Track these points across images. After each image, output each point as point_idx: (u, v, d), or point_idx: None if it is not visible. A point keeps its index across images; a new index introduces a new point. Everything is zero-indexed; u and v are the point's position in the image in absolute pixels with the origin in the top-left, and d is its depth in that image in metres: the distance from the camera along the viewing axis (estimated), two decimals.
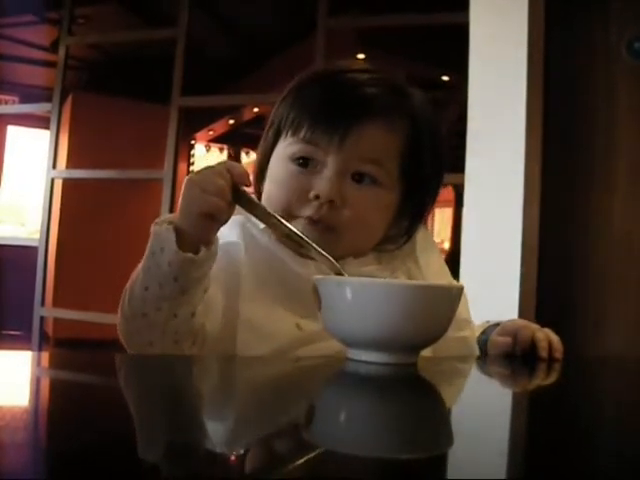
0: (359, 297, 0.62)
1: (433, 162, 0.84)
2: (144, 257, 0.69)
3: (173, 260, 0.66)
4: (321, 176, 0.78)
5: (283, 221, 0.70)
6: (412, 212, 0.85)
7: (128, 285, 0.72)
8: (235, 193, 0.67)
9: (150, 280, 0.68)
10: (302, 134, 0.79)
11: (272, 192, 0.82)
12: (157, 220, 0.69)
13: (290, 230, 0.70)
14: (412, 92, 0.84)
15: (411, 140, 0.81)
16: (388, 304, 0.61)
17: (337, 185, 0.78)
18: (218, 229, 0.69)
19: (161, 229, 0.67)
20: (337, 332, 0.64)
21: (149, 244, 0.68)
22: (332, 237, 0.78)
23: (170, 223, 0.68)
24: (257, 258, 0.78)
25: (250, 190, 0.79)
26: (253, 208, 0.70)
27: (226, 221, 0.69)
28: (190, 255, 0.66)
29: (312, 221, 0.77)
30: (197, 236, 0.68)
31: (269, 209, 0.71)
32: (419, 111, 0.83)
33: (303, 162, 0.80)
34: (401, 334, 0.61)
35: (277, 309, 0.75)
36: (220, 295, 0.75)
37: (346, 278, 0.68)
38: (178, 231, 0.67)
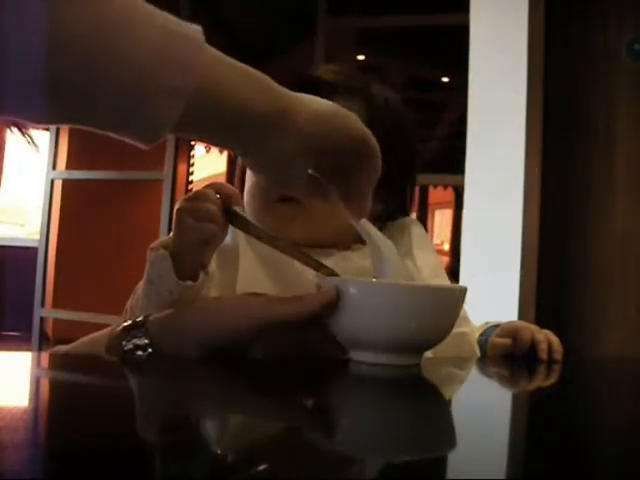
0: (364, 298, 0.61)
1: (403, 148, 0.85)
2: (143, 283, 0.70)
3: (173, 289, 0.67)
4: None
5: (275, 236, 0.71)
6: (397, 198, 0.87)
7: (129, 306, 0.73)
8: (227, 214, 0.68)
9: (150, 307, 0.69)
10: None
11: (249, 186, 0.83)
12: (152, 245, 0.69)
13: (283, 244, 0.70)
14: (380, 87, 0.86)
15: (381, 126, 0.84)
16: (393, 305, 0.61)
17: None
18: (214, 252, 0.71)
19: (157, 257, 0.68)
20: (341, 333, 0.64)
21: (146, 271, 0.69)
22: (300, 211, 0.79)
23: (165, 248, 0.68)
24: (254, 256, 0.78)
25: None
26: (246, 226, 0.71)
27: (221, 243, 0.70)
28: (190, 283, 0.67)
29: (288, 199, 0.78)
30: (194, 263, 0.69)
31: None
32: (378, 94, 0.84)
33: None
34: (405, 335, 0.61)
35: None
36: (214, 295, 0.75)
37: (351, 279, 0.68)
38: (174, 258, 0.68)
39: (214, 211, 0.67)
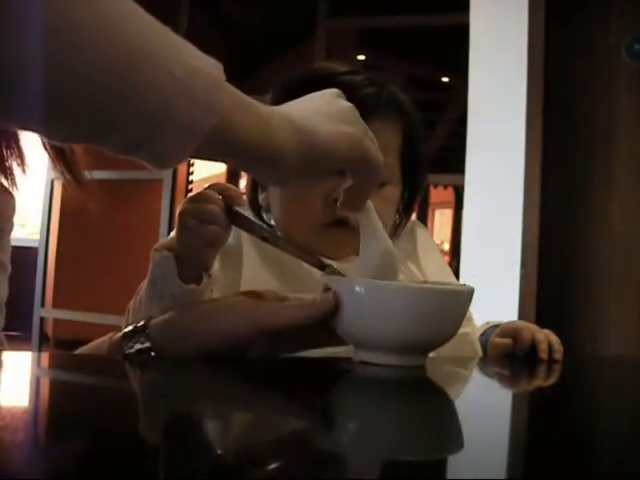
0: (370, 299, 0.61)
1: (424, 154, 0.88)
2: (146, 283, 0.70)
3: (176, 292, 0.67)
4: (337, 180, 0.79)
5: (278, 236, 0.71)
6: (405, 205, 0.88)
7: (131, 306, 0.72)
8: (230, 215, 0.68)
9: (153, 309, 0.68)
10: None
11: (289, 206, 0.82)
12: (156, 246, 0.69)
13: (287, 244, 0.70)
14: (396, 89, 0.87)
15: (406, 134, 0.84)
16: (399, 306, 0.60)
17: None
18: (217, 253, 0.71)
19: (161, 258, 0.68)
20: (346, 334, 0.63)
21: (149, 272, 0.69)
22: (355, 236, 0.79)
23: (169, 249, 0.68)
24: (258, 257, 0.78)
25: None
26: (249, 226, 0.70)
27: (224, 244, 0.70)
28: (193, 287, 0.67)
29: (339, 223, 0.79)
30: (198, 265, 0.69)
31: (268, 222, 0.72)
32: (408, 105, 0.86)
33: None
34: (411, 337, 0.61)
35: None
36: (218, 295, 0.75)
37: (358, 279, 0.68)
38: (178, 260, 0.67)
39: (217, 213, 0.66)
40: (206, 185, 0.70)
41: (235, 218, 0.69)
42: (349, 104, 0.57)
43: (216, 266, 0.73)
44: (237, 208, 0.69)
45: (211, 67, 0.46)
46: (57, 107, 0.41)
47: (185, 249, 0.67)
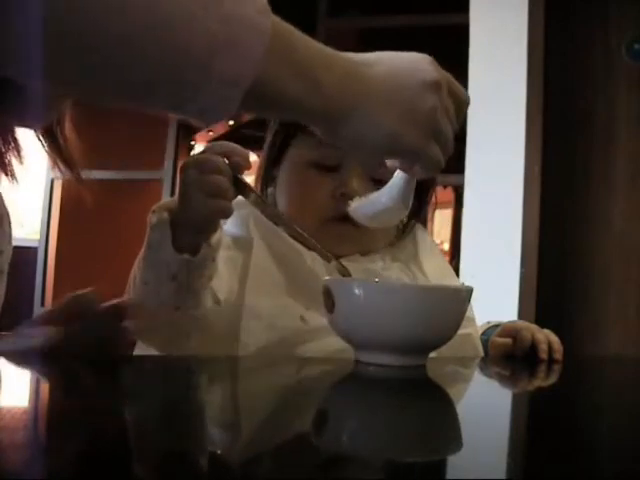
0: (371, 299, 0.61)
1: None
2: (143, 248, 0.68)
3: (171, 261, 0.66)
4: (345, 175, 0.80)
5: (286, 219, 0.71)
6: (414, 207, 0.87)
7: (132, 274, 0.72)
8: (236, 186, 0.65)
9: (149, 275, 0.68)
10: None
11: (296, 197, 0.83)
12: (154, 207, 0.67)
13: (293, 228, 0.70)
14: None
15: None
16: (400, 306, 0.60)
17: (360, 182, 0.80)
18: (219, 223, 0.69)
19: (158, 221, 0.65)
20: (350, 334, 0.63)
21: (147, 236, 0.67)
22: (358, 233, 0.80)
23: (168, 211, 0.66)
24: (266, 249, 0.79)
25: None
26: (254, 199, 0.68)
27: (230, 215, 0.68)
28: (187, 257, 0.65)
29: (344, 218, 0.78)
30: (199, 235, 0.67)
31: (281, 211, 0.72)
32: None
33: (325, 165, 0.81)
34: (412, 336, 0.61)
35: (283, 300, 0.75)
36: (235, 281, 0.76)
37: (358, 280, 0.68)
38: (176, 227, 0.65)
39: (225, 185, 0.63)
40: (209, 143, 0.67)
41: (242, 190, 0.66)
42: (433, 102, 0.58)
43: (217, 236, 0.70)
44: (244, 179, 0.66)
45: (255, 14, 0.45)
46: (99, 64, 0.41)
47: (187, 220, 0.65)
